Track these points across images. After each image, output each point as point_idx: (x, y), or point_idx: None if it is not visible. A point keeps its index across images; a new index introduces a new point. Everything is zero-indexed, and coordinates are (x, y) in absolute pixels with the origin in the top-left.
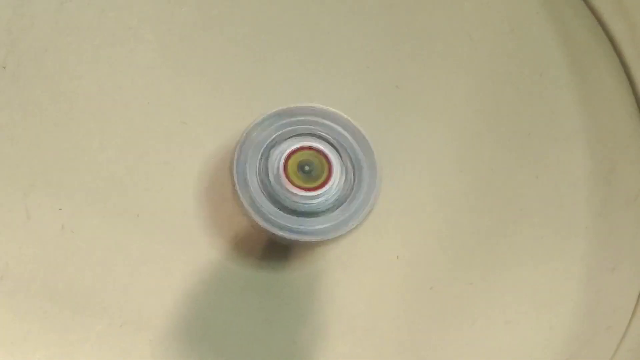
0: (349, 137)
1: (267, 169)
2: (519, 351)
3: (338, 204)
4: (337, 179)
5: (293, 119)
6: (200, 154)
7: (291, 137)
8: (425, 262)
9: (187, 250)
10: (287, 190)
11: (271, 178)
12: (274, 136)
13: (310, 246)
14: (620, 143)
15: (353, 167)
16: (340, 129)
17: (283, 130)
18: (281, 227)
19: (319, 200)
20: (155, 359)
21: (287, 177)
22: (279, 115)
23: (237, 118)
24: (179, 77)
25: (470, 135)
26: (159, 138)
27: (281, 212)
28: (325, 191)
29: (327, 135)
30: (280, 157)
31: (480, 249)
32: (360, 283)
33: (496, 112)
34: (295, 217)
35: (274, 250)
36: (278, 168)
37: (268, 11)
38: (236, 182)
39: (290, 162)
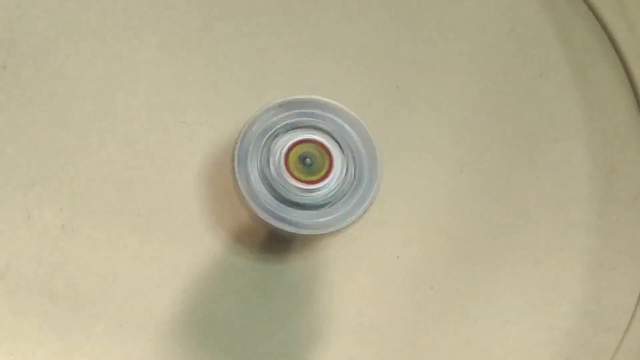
0: (351, 131)
1: (268, 161)
2: (519, 351)
3: (339, 197)
4: (337, 172)
5: (295, 112)
6: (201, 150)
7: (293, 129)
8: (425, 262)
9: (188, 245)
10: (288, 182)
11: (272, 170)
12: (275, 128)
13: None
14: (620, 143)
15: (354, 161)
16: (341, 122)
17: (284, 123)
18: (282, 220)
19: (320, 193)
20: (157, 358)
21: (288, 169)
22: (281, 107)
23: (237, 113)
24: (180, 76)
25: (471, 135)
26: (159, 137)
27: (282, 205)
28: (325, 184)
29: (329, 128)
30: (282, 150)
31: (480, 249)
32: (361, 283)
33: (496, 112)
34: (296, 210)
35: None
36: (279, 160)
37: (267, 11)
38: (237, 174)
39: (291, 154)
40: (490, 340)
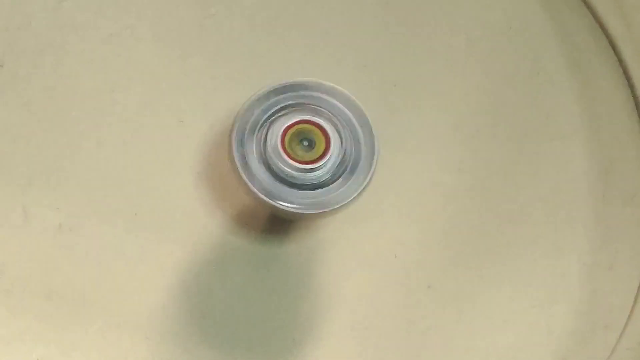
0: (347, 111)
1: (265, 142)
2: (516, 350)
3: (337, 176)
4: (335, 153)
5: (291, 94)
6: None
7: (289, 111)
8: (423, 261)
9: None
10: (286, 163)
11: (269, 151)
12: (271, 111)
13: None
14: (618, 141)
15: (351, 140)
16: (338, 103)
17: (280, 105)
18: (281, 200)
19: (317, 173)
20: (155, 356)
21: (285, 150)
22: (278, 89)
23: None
24: (176, 70)
25: (469, 134)
26: (156, 134)
27: (281, 185)
28: (323, 164)
29: (325, 109)
30: (278, 131)
31: (477, 248)
32: (359, 282)
33: (494, 111)
34: (294, 190)
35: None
36: (276, 142)
37: (265, 11)
38: (235, 157)
39: (288, 135)
40: (488, 339)
